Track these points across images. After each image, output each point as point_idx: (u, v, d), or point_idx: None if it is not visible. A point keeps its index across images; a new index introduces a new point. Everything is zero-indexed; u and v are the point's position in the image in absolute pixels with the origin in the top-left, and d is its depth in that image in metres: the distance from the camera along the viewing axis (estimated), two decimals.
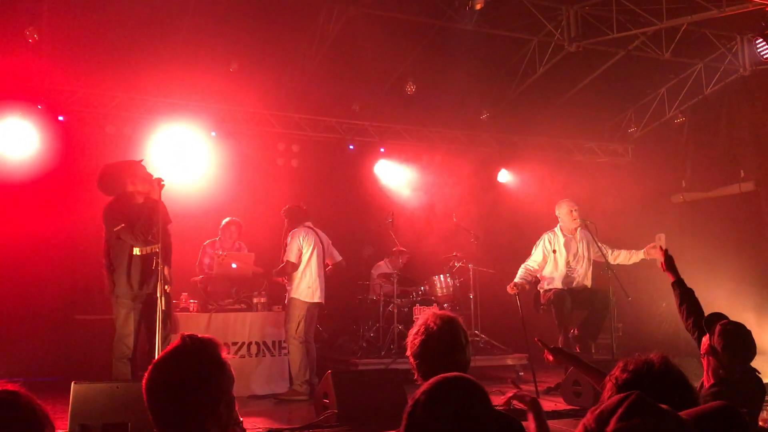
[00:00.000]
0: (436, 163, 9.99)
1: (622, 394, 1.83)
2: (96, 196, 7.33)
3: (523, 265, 7.20)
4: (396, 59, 8.59)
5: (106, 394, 4.58)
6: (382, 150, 10.01)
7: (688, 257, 8.73)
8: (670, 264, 4.05)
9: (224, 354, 1.91)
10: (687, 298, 3.89)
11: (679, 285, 3.98)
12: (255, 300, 7.01)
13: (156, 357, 5.06)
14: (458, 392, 1.86)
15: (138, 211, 5.58)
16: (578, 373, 5.69)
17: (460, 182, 10.16)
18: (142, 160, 5.85)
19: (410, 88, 8.55)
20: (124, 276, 5.59)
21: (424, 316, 2.72)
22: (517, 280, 7.04)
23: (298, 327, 6.56)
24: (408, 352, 2.66)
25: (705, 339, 3.34)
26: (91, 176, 7.79)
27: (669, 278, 4.04)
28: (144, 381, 1.85)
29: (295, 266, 6.64)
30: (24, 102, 7.75)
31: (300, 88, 8.74)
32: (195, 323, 6.56)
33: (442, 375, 1.93)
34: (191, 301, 6.86)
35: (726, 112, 9.42)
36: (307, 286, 6.67)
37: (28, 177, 7.73)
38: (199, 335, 1.92)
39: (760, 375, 3.32)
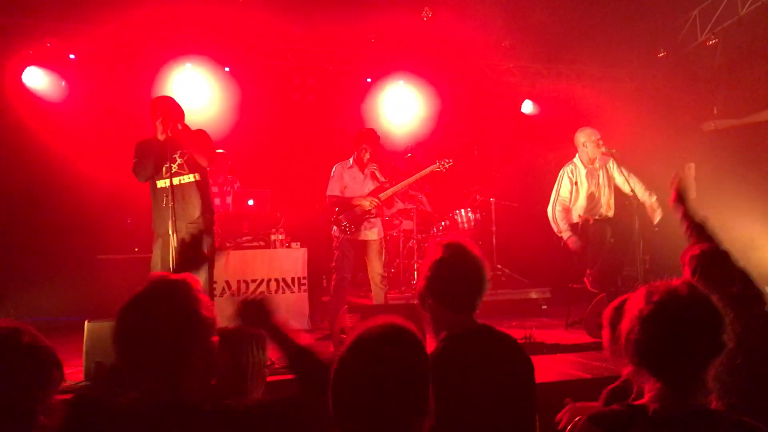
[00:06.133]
0: (457, 94, 9.69)
1: None
2: (113, 135, 7.31)
3: (555, 210, 6.69)
4: None
5: None
6: (401, 82, 9.73)
7: (719, 187, 8.53)
8: (680, 200, 3.72)
9: (200, 294, 1.75)
10: (696, 230, 3.59)
11: (688, 218, 3.66)
12: (273, 237, 6.96)
13: None
14: (388, 348, 1.61)
15: (151, 147, 5.10)
16: (601, 305, 5.59)
17: (482, 114, 9.88)
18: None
19: (426, 14, 8.21)
20: (155, 212, 5.19)
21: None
22: (566, 234, 6.58)
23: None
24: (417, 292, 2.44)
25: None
26: (105, 115, 7.75)
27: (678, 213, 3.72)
28: (113, 329, 1.74)
29: None
30: (33, 40, 7.60)
31: (314, 18, 8.42)
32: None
33: (369, 326, 1.69)
34: None
35: (762, 35, 8.89)
36: None
37: (43, 117, 7.67)
38: (172, 276, 1.77)
39: None
